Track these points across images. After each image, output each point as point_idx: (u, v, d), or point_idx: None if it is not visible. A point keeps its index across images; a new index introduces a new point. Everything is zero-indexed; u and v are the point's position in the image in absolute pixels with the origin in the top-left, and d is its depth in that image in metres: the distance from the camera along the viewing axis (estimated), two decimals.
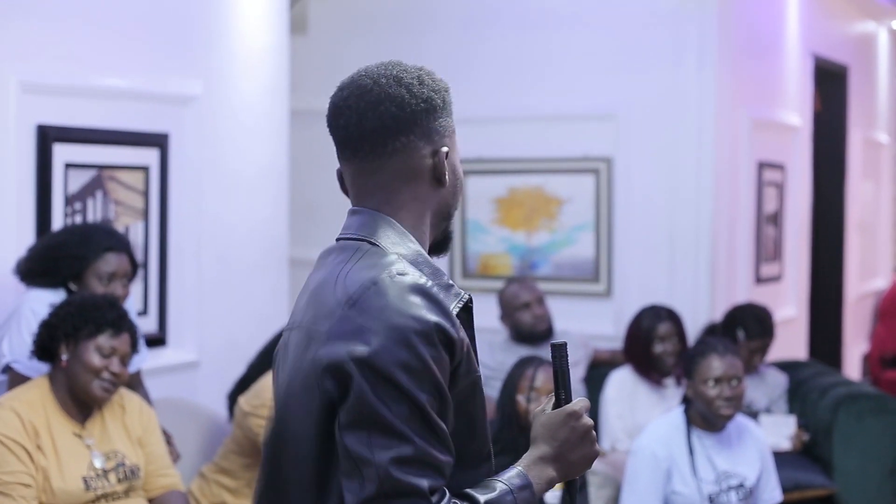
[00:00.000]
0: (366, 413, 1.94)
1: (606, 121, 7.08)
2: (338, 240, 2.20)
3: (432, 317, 1.99)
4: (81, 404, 4.07)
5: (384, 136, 2.14)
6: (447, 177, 2.20)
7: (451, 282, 2.11)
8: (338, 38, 7.74)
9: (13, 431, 3.88)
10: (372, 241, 2.12)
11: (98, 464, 4.02)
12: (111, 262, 4.48)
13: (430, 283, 2.04)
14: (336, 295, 2.04)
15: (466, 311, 2.12)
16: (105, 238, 4.53)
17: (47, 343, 4.06)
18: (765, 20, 7.89)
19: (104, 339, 4.01)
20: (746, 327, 6.26)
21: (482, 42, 7.34)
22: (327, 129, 2.22)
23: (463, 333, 2.06)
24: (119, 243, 4.56)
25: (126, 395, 4.28)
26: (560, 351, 2.22)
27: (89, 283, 4.45)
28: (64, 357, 4.03)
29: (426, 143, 2.17)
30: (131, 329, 4.12)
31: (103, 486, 4.02)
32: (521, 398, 4.67)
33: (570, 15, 7.20)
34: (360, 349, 1.96)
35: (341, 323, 2.00)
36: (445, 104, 2.22)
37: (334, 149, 2.21)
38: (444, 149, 2.19)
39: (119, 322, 4.06)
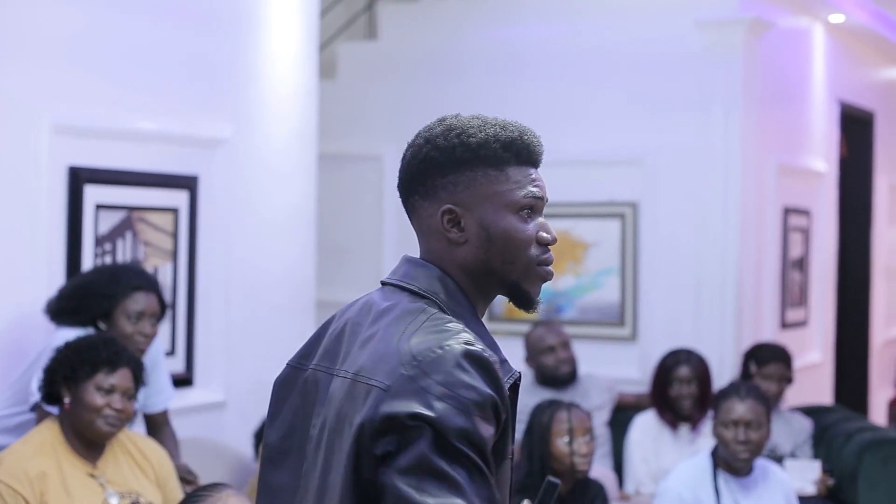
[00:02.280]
0: (424, 463, 1.94)
1: (632, 166, 7.12)
2: (393, 284, 2.21)
3: (489, 390, 1.99)
4: (91, 444, 4.08)
5: (402, 193, 2.23)
6: (454, 234, 2.17)
7: (503, 356, 2.11)
8: (366, 83, 7.81)
9: (14, 481, 3.88)
10: (435, 300, 2.14)
11: (113, 502, 4.03)
12: (140, 301, 4.53)
13: (492, 357, 2.04)
14: (400, 353, 2.03)
15: (513, 390, 2.10)
16: (134, 277, 4.58)
17: (50, 388, 4.08)
18: (791, 66, 7.93)
19: (102, 378, 4.01)
20: (756, 357, 6.29)
21: (509, 87, 7.39)
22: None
23: (508, 412, 2.05)
24: (148, 283, 4.61)
25: (149, 446, 4.31)
26: (551, 489, 2.26)
27: (118, 322, 4.50)
28: (66, 400, 4.04)
29: (431, 201, 2.18)
30: (131, 363, 4.11)
31: None
32: (560, 442, 4.64)
33: (597, 61, 7.25)
34: (425, 411, 1.95)
35: (405, 382, 1.99)
36: (460, 160, 2.17)
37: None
38: (447, 206, 2.16)
39: (115, 358, 4.06)
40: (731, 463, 4.76)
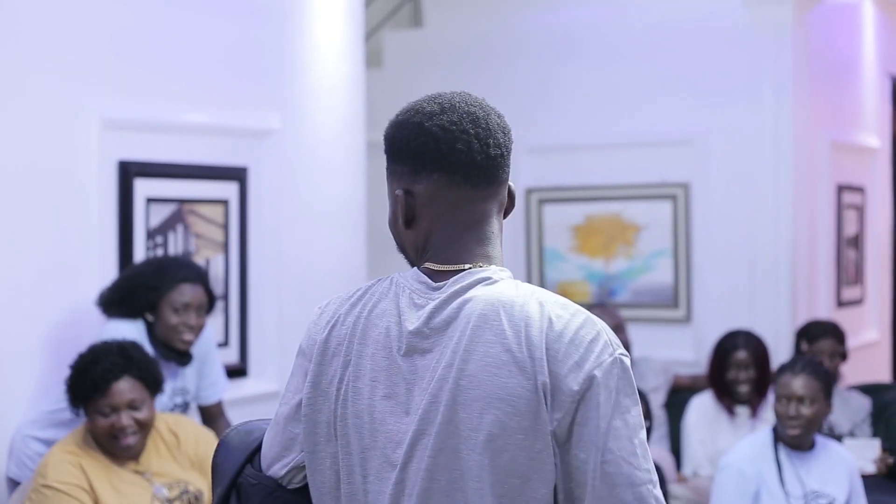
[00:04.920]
0: None
1: (683, 146, 7.07)
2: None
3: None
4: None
5: (501, 165, 2.13)
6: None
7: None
8: (413, 71, 7.80)
9: (71, 476, 3.88)
10: None
11: (162, 494, 4.02)
12: (185, 293, 4.55)
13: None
14: None
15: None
16: (180, 269, 4.60)
17: (77, 404, 4.10)
18: (841, 42, 7.85)
19: (104, 403, 4.01)
20: (807, 334, 6.22)
21: (557, 71, 7.36)
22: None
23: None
24: (194, 275, 4.63)
25: (180, 423, 4.30)
26: None
27: (163, 314, 4.53)
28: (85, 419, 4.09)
29: (506, 178, 2.17)
30: (136, 369, 4.08)
31: None
32: None
33: (645, 42, 7.21)
34: None
35: None
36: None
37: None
38: (512, 183, 2.19)
39: (112, 372, 4.04)
40: (784, 438, 4.73)
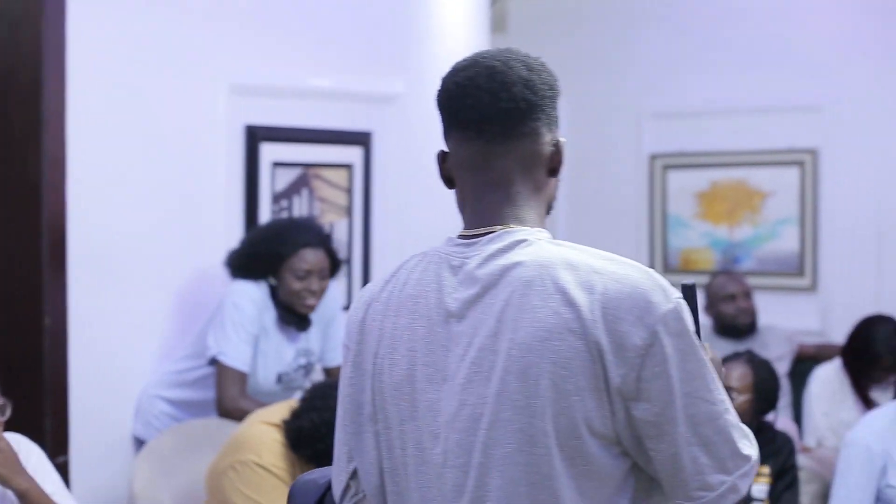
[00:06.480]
0: None
1: (811, 112, 6.96)
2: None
3: None
4: None
5: (516, 118, 2.04)
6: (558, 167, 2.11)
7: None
8: (538, 37, 7.76)
9: (286, 462, 3.74)
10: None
11: None
12: (307, 258, 4.57)
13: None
14: None
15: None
16: (301, 234, 4.62)
17: None
18: None
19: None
20: None
21: (684, 36, 7.27)
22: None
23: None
24: (315, 239, 4.64)
25: None
26: (690, 292, 2.06)
27: (285, 279, 4.57)
28: None
29: (548, 130, 2.07)
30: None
31: None
32: None
33: (774, 6, 7.10)
34: None
35: None
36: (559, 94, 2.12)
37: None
38: (563, 139, 2.10)
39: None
40: None
